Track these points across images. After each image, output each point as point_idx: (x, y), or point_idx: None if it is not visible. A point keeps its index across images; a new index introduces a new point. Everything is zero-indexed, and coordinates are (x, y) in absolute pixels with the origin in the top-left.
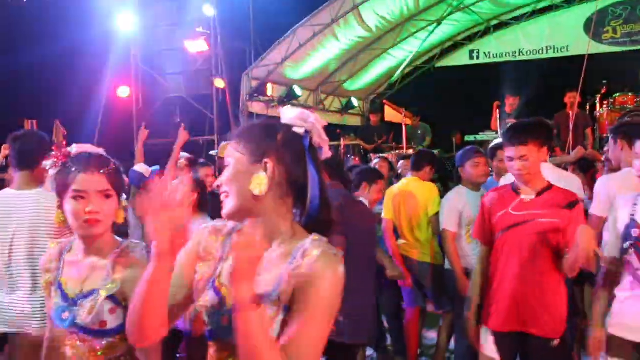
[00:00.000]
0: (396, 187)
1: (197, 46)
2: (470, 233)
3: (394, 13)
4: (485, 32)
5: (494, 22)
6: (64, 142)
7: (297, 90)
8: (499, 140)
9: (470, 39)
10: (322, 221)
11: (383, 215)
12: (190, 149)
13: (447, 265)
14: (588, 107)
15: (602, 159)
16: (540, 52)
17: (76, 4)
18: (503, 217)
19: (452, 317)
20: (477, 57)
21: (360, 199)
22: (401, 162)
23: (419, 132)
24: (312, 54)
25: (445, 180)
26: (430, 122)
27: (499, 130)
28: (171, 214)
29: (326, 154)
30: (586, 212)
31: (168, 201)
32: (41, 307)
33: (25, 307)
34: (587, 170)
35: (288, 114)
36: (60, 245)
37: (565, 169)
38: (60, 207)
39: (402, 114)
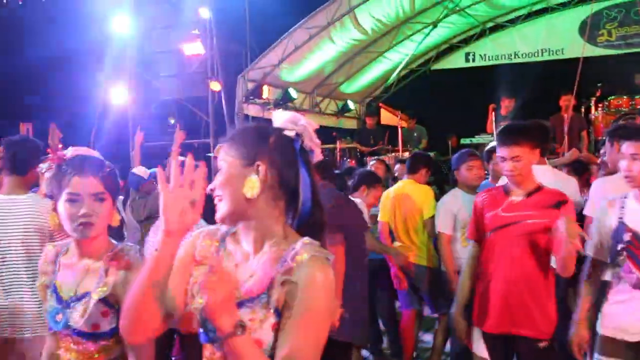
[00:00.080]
0: (392, 190)
1: (192, 48)
2: (466, 235)
3: (389, 15)
4: (481, 35)
5: (490, 24)
6: (60, 145)
7: (293, 92)
8: (495, 142)
9: (466, 41)
10: (314, 224)
11: (379, 217)
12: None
13: (443, 268)
14: (583, 110)
15: (598, 161)
16: (536, 54)
17: (71, 7)
18: (493, 218)
19: (448, 319)
20: (473, 60)
21: (356, 200)
22: (398, 165)
23: (415, 134)
24: (308, 56)
25: (441, 183)
26: (426, 124)
27: (494, 132)
28: (183, 192)
29: (317, 156)
30: (583, 214)
31: (181, 179)
32: (36, 312)
33: (21, 312)
34: (582, 173)
35: (279, 118)
36: (57, 247)
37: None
38: (55, 209)
39: (398, 116)
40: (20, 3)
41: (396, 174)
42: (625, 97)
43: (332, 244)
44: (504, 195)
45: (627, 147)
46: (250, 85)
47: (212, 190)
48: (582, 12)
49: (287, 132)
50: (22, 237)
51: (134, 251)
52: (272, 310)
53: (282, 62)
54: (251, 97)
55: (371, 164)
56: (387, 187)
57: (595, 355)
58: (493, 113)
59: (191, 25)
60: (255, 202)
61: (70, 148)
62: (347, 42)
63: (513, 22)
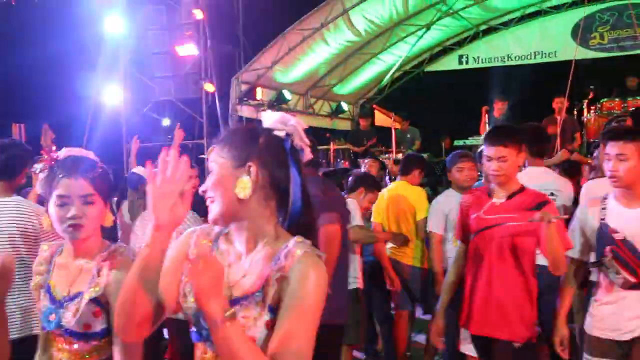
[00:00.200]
0: (385, 191)
1: (186, 50)
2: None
3: (383, 17)
4: (474, 37)
5: (483, 27)
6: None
7: (287, 94)
8: None
9: (460, 44)
10: (304, 223)
11: (372, 218)
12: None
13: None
14: (575, 112)
15: (593, 163)
16: (529, 57)
17: (64, 7)
18: (475, 220)
19: None
20: (466, 62)
21: (351, 200)
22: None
23: (408, 136)
24: (302, 58)
25: (434, 184)
26: (419, 126)
27: None
28: (171, 186)
29: (307, 156)
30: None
31: (170, 174)
32: (24, 313)
33: (7, 313)
34: (574, 175)
35: (269, 118)
36: (52, 248)
37: None
38: (47, 211)
39: (391, 118)
40: (13, 3)
41: (395, 177)
42: (617, 99)
43: (330, 222)
44: (487, 197)
45: (612, 147)
46: (244, 87)
47: (204, 191)
48: (575, 15)
49: (277, 133)
50: (8, 239)
51: (128, 251)
52: (266, 308)
53: (275, 64)
54: (245, 99)
55: (366, 161)
56: (384, 186)
57: (585, 356)
58: (486, 115)
59: (185, 27)
60: (247, 202)
61: (63, 149)
62: (341, 44)
63: (506, 25)
